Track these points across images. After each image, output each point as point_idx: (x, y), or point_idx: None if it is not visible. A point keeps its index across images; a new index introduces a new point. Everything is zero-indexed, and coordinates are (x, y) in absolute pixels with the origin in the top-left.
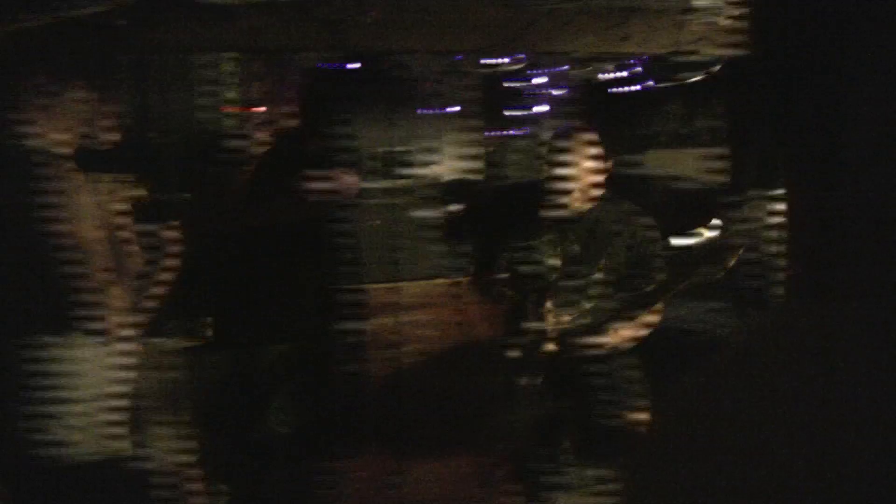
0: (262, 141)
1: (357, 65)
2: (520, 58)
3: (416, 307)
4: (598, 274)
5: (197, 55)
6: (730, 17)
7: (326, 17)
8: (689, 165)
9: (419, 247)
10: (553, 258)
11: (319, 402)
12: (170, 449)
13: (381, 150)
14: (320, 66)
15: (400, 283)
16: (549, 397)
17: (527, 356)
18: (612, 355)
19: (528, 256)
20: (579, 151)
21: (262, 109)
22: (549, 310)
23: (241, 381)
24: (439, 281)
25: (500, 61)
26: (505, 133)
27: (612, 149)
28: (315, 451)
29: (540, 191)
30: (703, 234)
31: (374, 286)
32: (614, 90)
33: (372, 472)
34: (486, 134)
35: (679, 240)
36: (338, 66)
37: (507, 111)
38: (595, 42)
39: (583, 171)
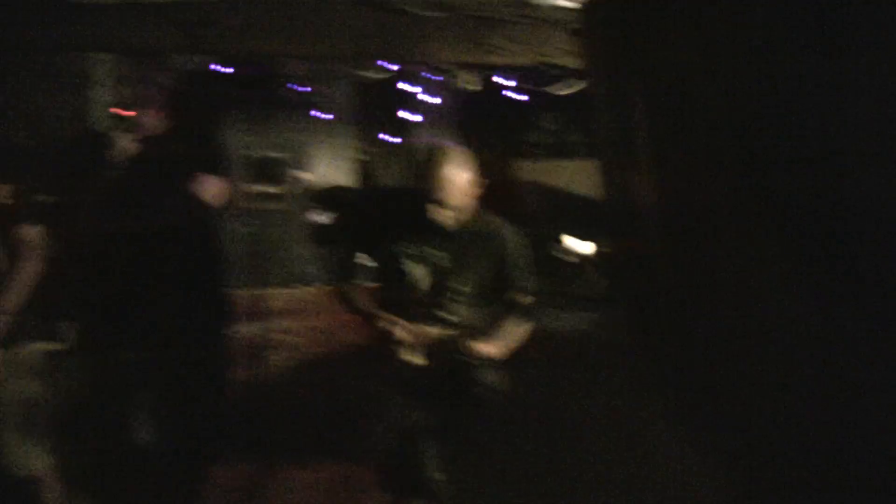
0: (134, 144)
1: (231, 69)
2: (396, 67)
3: (287, 314)
4: (469, 287)
5: (68, 56)
6: (590, 30)
7: (195, 20)
8: (566, 176)
9: (293, 253)
10: (423, 270)
11: (192, 408)
12: (27, 456)
13: (256, 154)
14: (194, 69)
15: (272, 290)
16: (417, 407)
17: (397, 366)
18: (480, 367)
19: (399, 267)
20: (453, 169)
21: (134, 112)
22: (419, 321)
23: (111, 386)
24: (310, 288)
25: (378, 69)
26: (384, 140)
27: (490, 158)
28: (188, 458)
29: (413, 202)
30: (585, 246)
31: (247, 292)
32: (494, 99)
33: (243, 479)
34: (365, 141)
35: (569, 243)
36: (213, 70)
37: (386, 119)
38: (463, 52)
39: (456, 188)
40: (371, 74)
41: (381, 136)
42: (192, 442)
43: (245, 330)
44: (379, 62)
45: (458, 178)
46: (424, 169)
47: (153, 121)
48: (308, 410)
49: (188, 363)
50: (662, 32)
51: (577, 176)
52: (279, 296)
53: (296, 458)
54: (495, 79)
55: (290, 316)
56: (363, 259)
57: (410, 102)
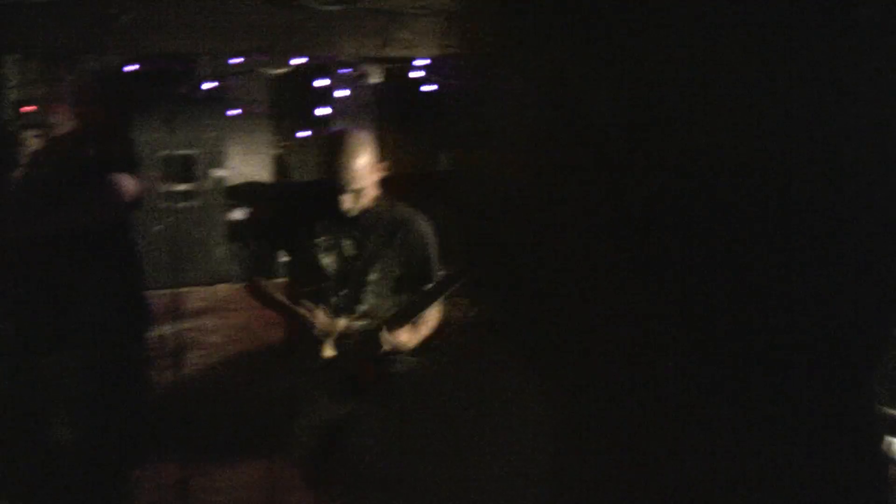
0: (44, 144)
1: (140, 67)
2: (303, 60)
3: (202, 312)
4: (375, 275)
5: None
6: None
7: (99, 18)
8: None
9: (210, 250)
10: (327, 259)
11: (112, 410)
12: None
13: (169, 152)
14: (104, 68)
15: (189, 288)
16: (332, 399)
17: (307, 360)
18: (392, 357)
19: (304, 258)
20: (351, 152)
21: (44, 111)
22: (327, 312)
23: (31, 390)
24: (226, 285)
25: (287, 64)
26: (297, 134)
27: (397, 145)
28: (108, 461)
29: (323, 192)
30: None
31: (164, 291)
32: (406, 92)
33: (166, 480)
34: (278, 136)
35: None
36: (123, 69)
37: (299, 113)
38: (367, 45)
39: (355, 172)
40: (279, 69)
41: (294, 129)
42: (112, 444)
43: (164, 329)
44: (287, 58)
45: (356, 161)
46: (326, 155)
47: (64, 120)
48: (229, 408)
49: (106, 365)
50: (539, 24)
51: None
52: (197, 294)
53: (219, 456)
54: (410, 71)
55: (209, 314)
56: (277, 252)
57: (322, 96)
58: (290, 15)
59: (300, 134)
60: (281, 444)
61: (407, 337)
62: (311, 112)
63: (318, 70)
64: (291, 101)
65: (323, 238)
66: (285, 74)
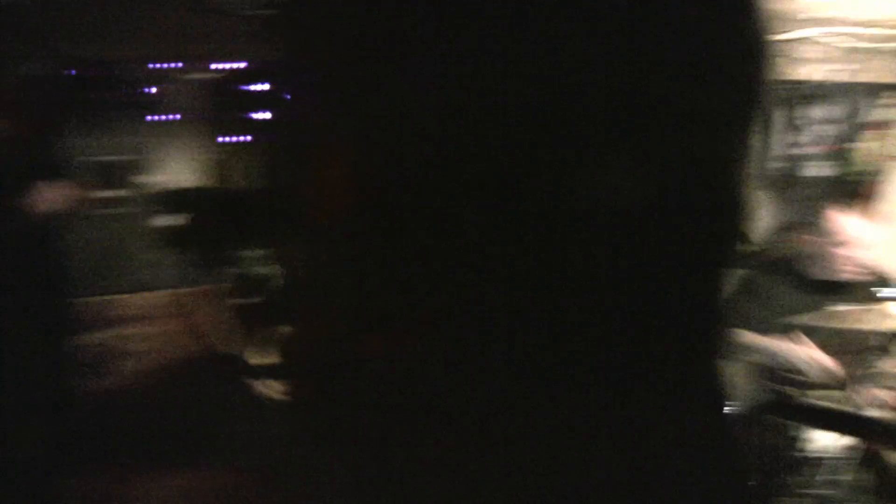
0: None
1: (70, 73)
2: (242, 64)
3: (142, 319)
4: None
5: None
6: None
7: (25, 24)
8: None
9: (145, 257)
10: (273, 269)
11: (49, 418)
12: None
13: (100, 159)
14: (32, 73)
15: (126, 295)
16: (278, 408)
17: (253, 366)
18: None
19: (249, 266)
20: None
21: None
22: (272, 319)
23: None
24: (166, 291)
25: (225, 68)
26: (233, 140)
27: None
28: (47, 469)
29: (258, 201)
30: None
31: (95, 299)
32: None
33: (96, 492)
34: (213, 141)
35: None
36: (52, 74)
37: (234, 118)
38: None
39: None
40: (211, 74)
41: (229, 135)
42: (36, 454)
43: (95, 338)
44: (218, 62)
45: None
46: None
47: None
48: (162, 417)
49: (33, 375)
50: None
51: None
52: (129, 302)
53: (151, 466)
54: None
55: (141, 322)
56: (213, 261)
57: (259, 101)
58: (219, 20)
59: (233, 139)
60: (216, 453)
61: None
62: (245, 118)
63: (251, 75)
64: (223, 106)
65: (263, 246)
66: (216, 80)
